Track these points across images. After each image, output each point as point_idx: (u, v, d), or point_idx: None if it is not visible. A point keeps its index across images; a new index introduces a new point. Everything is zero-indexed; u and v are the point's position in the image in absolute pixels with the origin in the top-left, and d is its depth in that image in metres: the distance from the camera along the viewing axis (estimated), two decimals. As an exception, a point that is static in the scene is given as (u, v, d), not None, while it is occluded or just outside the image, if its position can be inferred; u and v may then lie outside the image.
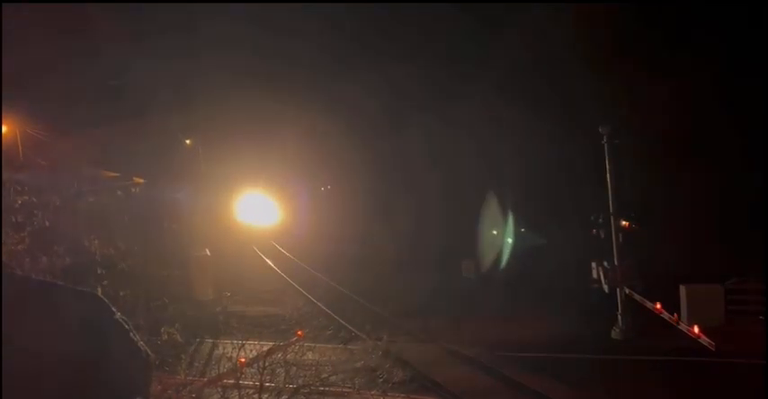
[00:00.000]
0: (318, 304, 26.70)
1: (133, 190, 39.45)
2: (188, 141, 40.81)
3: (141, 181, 39.60)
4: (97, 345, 4.14)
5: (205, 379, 13.70)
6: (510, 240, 30.25)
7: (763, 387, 14.44)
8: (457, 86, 32.21)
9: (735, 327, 19.00)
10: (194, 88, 41.93)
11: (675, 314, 19.14)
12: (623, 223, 20.98)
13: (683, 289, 20.04)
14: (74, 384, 3.92)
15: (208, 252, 28.64)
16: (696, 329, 18.13)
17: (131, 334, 4.67)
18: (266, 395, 12.09)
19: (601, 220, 20.53)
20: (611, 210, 20.36)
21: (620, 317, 20.07)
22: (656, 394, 14.51)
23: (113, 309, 4.68)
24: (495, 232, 30.85)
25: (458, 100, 32.13)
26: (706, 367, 16.56)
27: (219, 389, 12.92)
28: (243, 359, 13.55)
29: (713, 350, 17.30)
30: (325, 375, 13.93)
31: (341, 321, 23.77)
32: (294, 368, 13.12)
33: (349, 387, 14.11)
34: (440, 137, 33.17)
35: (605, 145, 20.24)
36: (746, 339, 17.88)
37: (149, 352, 4.82)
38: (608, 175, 20.35)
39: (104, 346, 4.20)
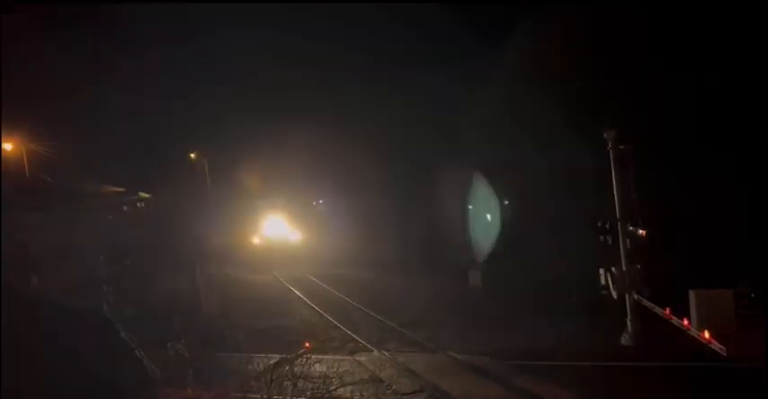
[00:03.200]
0: (325, 315, 26.63)
1: (139, 205, 39.51)
2: (192, 155, 40.78)
3: (147, 196, 39.64)
4: (103, 365, 4.12)
5: (212, 393, 13.59)
6: (489, 216, 30.03)
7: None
8: (453, 94, 32.36)
9: (746, 332, 18.78)
10: (201, 103, 42.30)
11: (685, 320, 18.94)
12: (640, 231, 20.83)
13: (692, 294, 19.88)
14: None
15: (214, 267, 28.67)
16: (706, 334, 17.93)
17: (137, 352, 4.64)
18: (274, 410, 12.01)
19: (608, 226, 20.41)
20: (617, 216, 20.25)
21: (629, 323, 19.91)
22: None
23: (119, 328, 4.65)
24: (470, 206, 30.80)
25: (455, 107, 32.29)
26: (717, 373, 16.38)
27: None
28: (250, 373, 13.49)
29: (724, 355, 17.10)
30: (333, 387, 13.83)
31: (348, 332, 23.69)
32: (302, 381, 13.03)
33: (357, 400, 14.02)
34: (441, 143, 33.27)
35: (610, 150, 20.17)
36: (758, 344, 17.67)
37: (154, 369, 4.79)
38: (614, 181, 20.26)
39: (110, 366, 4.18)
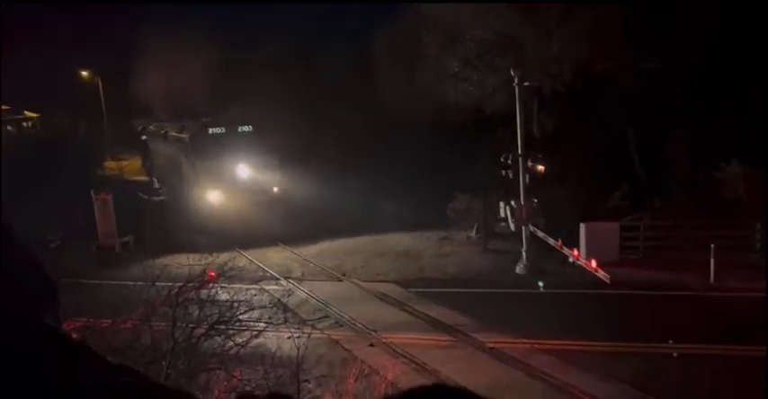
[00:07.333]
0: (234, 247, 26.24)
1: (25, 124, 36.48)
2: (85, 73, 37.27)
3: (35, 116, 36.43)
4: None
5: (111, 321, 13.19)
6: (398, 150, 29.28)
7: (650, 314, 15.93)
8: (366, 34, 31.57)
9: (628, 261, 20.53)
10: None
11: (575, 250, 20.29)
12: (538, 167, 21.79)
13: (582, 227, 21.23)
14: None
15: (110, 195, 27.22)
16: (594, 263, 19.33)
17: (33, 256, 4.25)
18: (179, 333, 11.87)
19: (510, 161, 21.20)
20: (519, 151, 21.04)
21: (524, 254, 21.08)
22: (554, 322, 15.54)
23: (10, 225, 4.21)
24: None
25: (359, 46, 31.63)
26: (602, 299, 17.88)
27: (130, 330, 12.56)
28: (155, 299, 13.17)
29: (608, 282, 18.58)
30: (239, 312, 13.84)
31: (256, 262, 23.62)
32: (208, 305, 12.93)
33: (265, 323, 14.15)
34: (344, 75, 32.44)
35: (516, 87, 20.69)
36: (637, 272, 19.43)
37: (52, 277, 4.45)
38: (517, 117, 20.91)
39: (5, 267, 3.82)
